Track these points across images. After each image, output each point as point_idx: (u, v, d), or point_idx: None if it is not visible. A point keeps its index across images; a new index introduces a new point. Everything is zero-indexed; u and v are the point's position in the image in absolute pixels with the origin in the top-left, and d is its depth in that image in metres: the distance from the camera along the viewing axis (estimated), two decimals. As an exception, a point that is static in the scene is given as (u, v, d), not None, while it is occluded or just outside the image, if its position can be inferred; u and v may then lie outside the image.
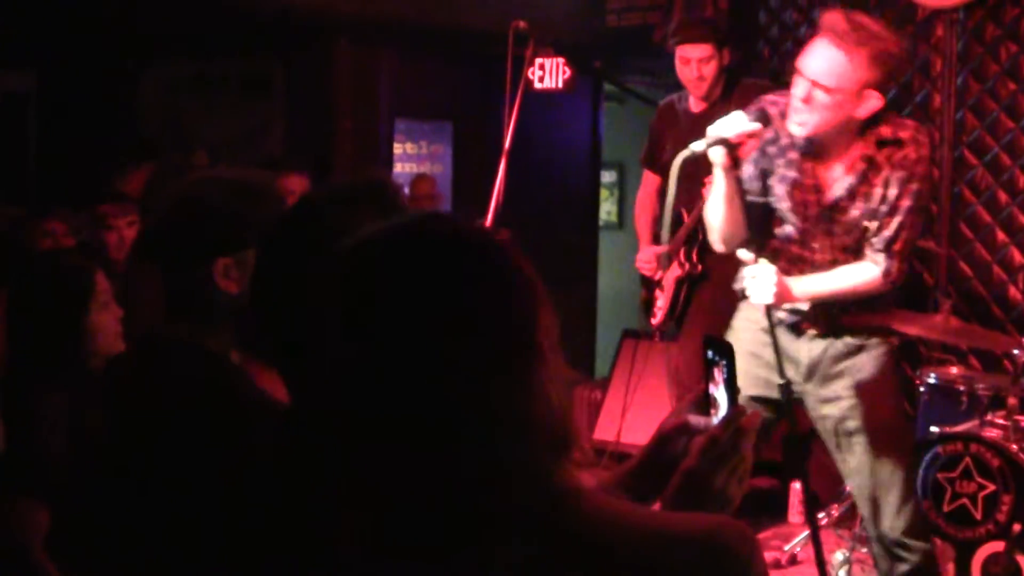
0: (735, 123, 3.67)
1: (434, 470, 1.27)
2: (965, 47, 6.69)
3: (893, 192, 3.75)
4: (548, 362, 1.33)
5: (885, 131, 3.77)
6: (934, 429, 4.90)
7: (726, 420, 1.71)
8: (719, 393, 1.78)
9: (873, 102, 3.66)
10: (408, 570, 1.30)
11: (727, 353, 1.77)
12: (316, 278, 1.38)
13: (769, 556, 5.47)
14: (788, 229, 3.95)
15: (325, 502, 1.40)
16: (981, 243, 6.63)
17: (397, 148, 9.19)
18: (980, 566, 4.55)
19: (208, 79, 9.31)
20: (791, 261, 3.95)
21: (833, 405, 3.94)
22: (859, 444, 3.93)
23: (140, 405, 2.31)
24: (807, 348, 3.96)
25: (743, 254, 3.75)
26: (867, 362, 3.91)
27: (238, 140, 8.63)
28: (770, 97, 3.92)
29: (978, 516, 4.56)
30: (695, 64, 5.55)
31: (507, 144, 5.35)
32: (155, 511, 2.19)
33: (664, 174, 5.65)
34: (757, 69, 7.69)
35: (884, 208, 3.77)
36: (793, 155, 3.88)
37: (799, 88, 3.72)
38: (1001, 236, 6.61)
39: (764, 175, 3.95)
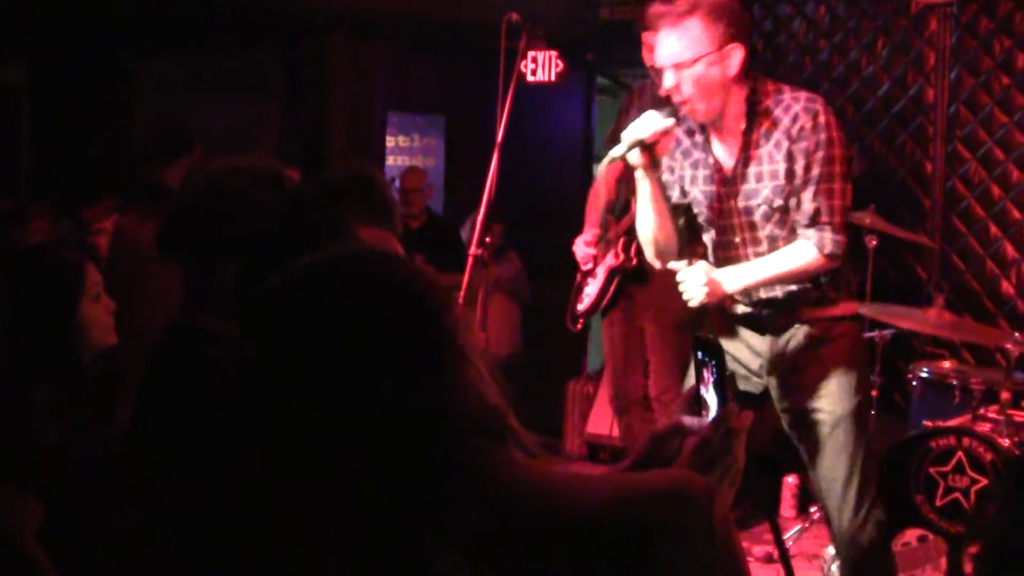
0: (649, 123, 3.64)
1: (379, 474, 1.32)
2: (959, 41, 6.69)
3: (800, 164, 3.67)
4: (471, 359, 1.39)
5: (753, 97, 3.73)
6: (927, 423, 4.91)
7: (717, 421, 1.71)
8: (709, 394, 1.77)
9: (737, 53, 3.64)
10: (357, 567, 1.31)
11: (716, 354, 1.76)
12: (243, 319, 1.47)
13: (761, 549, 5.47)
14: (712, 230, 3.92)
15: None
16: (974, 237, 6.63)
17: (390, 141, 9.18)
18: (972, 560, 4.56)
19: (202, 73, 9.30)
20: (726, 263, 3.90)
21: (796, 396, 3.90)
22: (822, 436, 3.89)
23: (175, 399, 2.30)
24: (769, 342, 3.91)
25: (675, 265, 3.72)
26: (831, 353, 3.86)
27: (232, 134, 8.62)
28: None
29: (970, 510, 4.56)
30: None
31: (499, 137, 5.33)
32: (189, 497, 2.18)
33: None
34: (750, 63, 7.69)
35: (797, 184, 3.69)
36: (697, 153, 3.87)
37: (668, 81, 3.68)
38: (994, 230, 6.61)
39: (681, 180, 3.94)
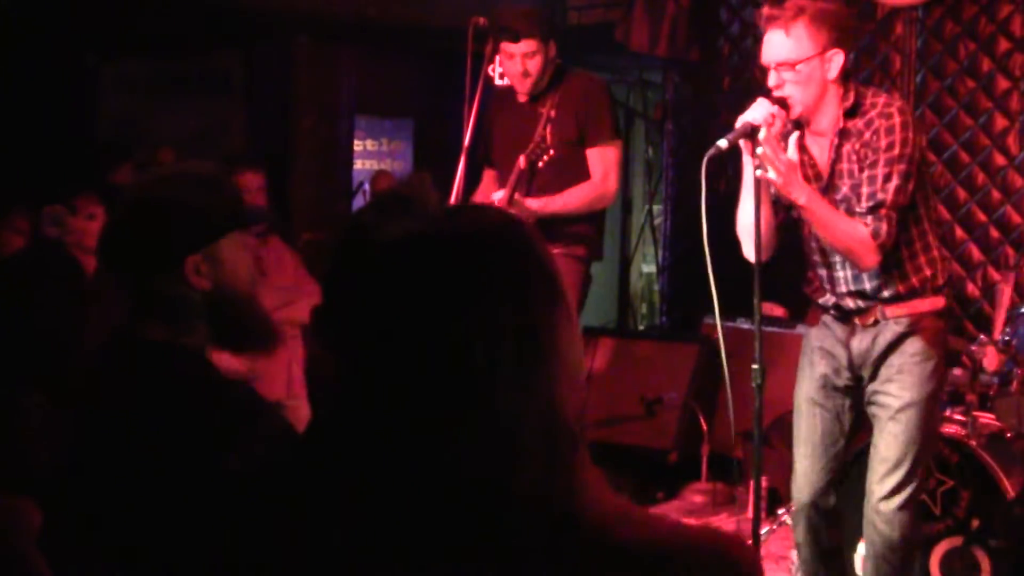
0: (760, 107, 3.73)
1: (442, 469, 1.27)
2: (924, 45, 6.73)
3: (868, 163, 3.82)
4: (564, 366, 1.32)
5: (849, 100, 3.87)
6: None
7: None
8: None
9: (838, 59, 3.81)
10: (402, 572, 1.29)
11: None
12: (348, 275, 1.38)
13: (730, 553, 5.47)
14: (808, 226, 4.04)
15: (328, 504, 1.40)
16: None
17: (357, 145, 9.17)
18: (939, 561, 4.57)
19: (167, 75, 9.26)
20: (821, 255, 4.05)
21: (879, 386, 4.02)
22: (885, 418, 3.99)
23: (123, 409, 2.28)
24: (857, 340, 4.03)
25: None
26: (911, 342, 3.97)
27: (197, 137, 8.58)
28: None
29: (937, 511, 4.58)
30: (519, 59, 5.34)
31: (467, 141, 5.33)
32: (141, 512, 2.17)
33: (496, 167, 5.63)
34: (717, 66, 7.71)
35: (863, 179, 3.83)
36: (792, 154, 3.94)
37: (771, 80, 3.86)
38: (960, 233, 6.65)
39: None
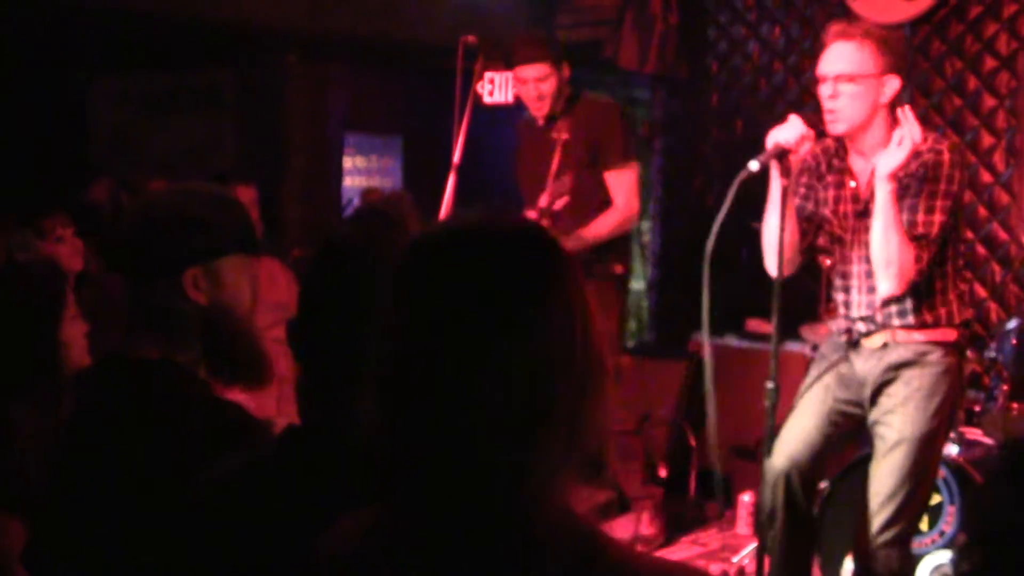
0: (792, 128, 3.80)
1: (469, 476, 1.28)
2: (911, 63, 6.76)
3: (911, 192, 3.87)
4: (604, 384, 1.34)
5: (894, 129, 3.90)
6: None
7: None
8: None
9: (894, 83, 3.90)
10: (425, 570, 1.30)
11: None
12: (382, 269, 1.40)
13: (717, 568, 5.49)
14: (837, 247, 4.10)
15: (326, 513, 1.41)
16: (927, 257, 6.68)
17: (347, 162, 9.19)
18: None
19: (159, 92, 9.27)
20: (843, 278, 4.11)
21: (880, 416, 4.02)
22: (883, 450, 3.98)
23: (113, 429, 2.29)
24: (862, 361, 4.06)
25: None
26: (918, 376, 3.96)
27: (188, 153, 8.59)
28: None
29: (924, 527, 4.59)
30: (532, 84, 5.45)
31: (456, 159, 5.35)
32: (130, 530, 2.18)
33: (523, 197, 5.66)
34: (705, 84, 7.74)
35: (905, 207, 3.87)
36: (833, 175, 4.06)
37: (826, 89, 3.92)
38: (946, 250, 6.67)
39: (815, 202, 4.12)
